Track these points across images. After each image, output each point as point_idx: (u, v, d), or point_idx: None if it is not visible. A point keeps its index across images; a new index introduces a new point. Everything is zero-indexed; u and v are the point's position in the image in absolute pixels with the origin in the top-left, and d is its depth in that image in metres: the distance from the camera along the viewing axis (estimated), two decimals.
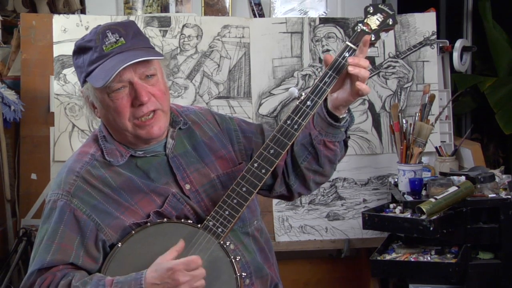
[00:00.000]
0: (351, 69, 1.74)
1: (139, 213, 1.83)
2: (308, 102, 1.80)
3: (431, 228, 2.60)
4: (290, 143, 1.81)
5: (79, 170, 1.84)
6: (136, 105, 1.78)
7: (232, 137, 2.03)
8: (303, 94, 1.82)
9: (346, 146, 1.99)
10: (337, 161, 1.98)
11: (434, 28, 3.61)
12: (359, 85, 1.75)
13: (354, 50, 1.79)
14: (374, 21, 1.82)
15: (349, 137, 1.97)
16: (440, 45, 3.73)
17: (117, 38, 1.77)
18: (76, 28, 3.36)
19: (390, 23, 1.83)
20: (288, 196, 2.07)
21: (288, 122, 1.81)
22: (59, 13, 3.65)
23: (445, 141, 3.67)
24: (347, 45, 1.80)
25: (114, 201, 1.82)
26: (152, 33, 3.46)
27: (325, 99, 1.84)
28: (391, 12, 1.83)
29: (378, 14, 1.83)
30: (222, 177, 1.95)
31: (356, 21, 1.84)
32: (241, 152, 2.03)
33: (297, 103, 1.81)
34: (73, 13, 3.97)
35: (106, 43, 1.76)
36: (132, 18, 3.54)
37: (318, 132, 1.88)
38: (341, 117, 1.85)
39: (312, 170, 1.96)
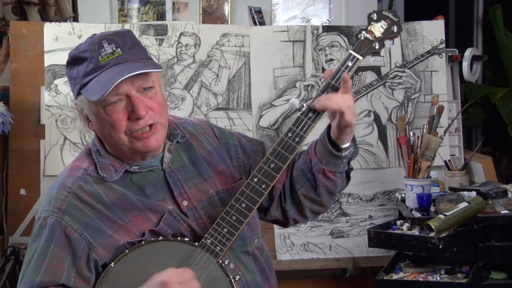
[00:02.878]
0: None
1: (133, 232, 1.77)
2: (310, 114, 1.76)
3: (441, 246, 2.60)
4: (292, 157, 1.78)
5: (71, 186, 1.78)
6: (133, 118, 1.74)
7: (231, 152, 1.98)
8: (304, 105, 1.78)
9: (348, 178, 1.95)
10: (337, 192, 1.94)
11: (442, 36, 3.61)
12: (321, 101, 1.73)
13: (358, 59, 1.77)
14: (378, 29, 1.79)
15: (352, 169, 1.93)
16: (449, 54, 3.73)
17: (114, 49, 1.73)
18: (68, 37, 3.37)
19: (395, 30, 1.80)
20: (284, 222, 2.02)
21: (289, 134, 1.77)
22: (51, 21, 3.67)
23: (454, 155, 3.66)
24: (350, 54, 1.77)
25: (107, 218, 1.77)
26: (148, 42, 3.47)
27: (329, 126, 1.81)
28: (395, 19, 1.81)
29: (382, 21, 1.80)
30: (221, 193, 1.90)
31: (359, 29, 1.82)
32: (239, 168, 1.98)
33: (299, 114, 1.78)
34: (65, 21, 4.01)
35: (102, 54, 1.72)
36: (127, 26, 3.57)
37: (319, 160, 1.85)
38: (342, 147, 1.81)
39: (309, 198, 1.92)
